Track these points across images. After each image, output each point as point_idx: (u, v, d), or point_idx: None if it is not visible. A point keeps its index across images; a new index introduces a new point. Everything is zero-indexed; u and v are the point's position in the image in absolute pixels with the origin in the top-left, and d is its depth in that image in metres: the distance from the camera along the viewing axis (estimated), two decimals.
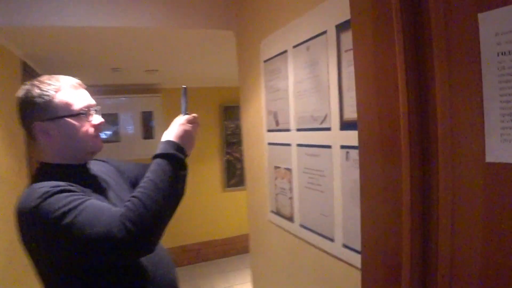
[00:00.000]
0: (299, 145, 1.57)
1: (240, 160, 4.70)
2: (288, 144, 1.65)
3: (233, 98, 4.53)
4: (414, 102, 0.76)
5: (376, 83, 0.83)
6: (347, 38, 1.24)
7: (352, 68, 1.21)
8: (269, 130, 1.83)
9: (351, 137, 1.24)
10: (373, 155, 0.85)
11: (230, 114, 4.58)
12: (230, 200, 4.65)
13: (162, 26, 2.06)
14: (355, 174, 1.23)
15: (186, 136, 1.11)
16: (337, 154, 1.32)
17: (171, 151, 1.04)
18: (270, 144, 1.84)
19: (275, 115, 1.76)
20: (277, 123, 1.74)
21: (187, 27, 2.09)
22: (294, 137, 1.60)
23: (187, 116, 1.16)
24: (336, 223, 1.34)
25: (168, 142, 1.07)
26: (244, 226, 4.97)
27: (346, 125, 1.27)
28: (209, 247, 4.62)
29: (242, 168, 4.73)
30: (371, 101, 0.85)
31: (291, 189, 1.66)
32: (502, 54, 0.59)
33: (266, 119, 1.86)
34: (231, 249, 4.72)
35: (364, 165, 0.89)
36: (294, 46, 1.55)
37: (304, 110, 1.51)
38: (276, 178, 1.79)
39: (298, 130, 1.56)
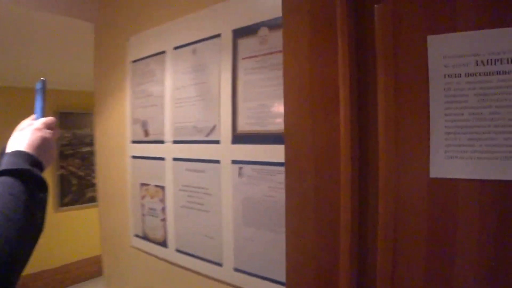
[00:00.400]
0: (176, 159, 1.38)
1: (76, 175, 4.04)
2: (161, 158, 1.44)
3: (71, 103, 3.89)
4: (356, 116, 0.72)
5: (311, 94, 0.77)
6: (246, 45, 1.16)
7: (251, 77, 1.13)
8: (135, 142, 1.57)
9: (246, 151, 1.15)
10: (303, 172, 0.77)
11: (66, 121, 3.89)
12: (65, 221, 3.93)
13: None
14: (249, 191, 1.15)
15: (44, 145, 0.80)
16: (227, 170, 1.20)
17: (25, 166, 0.73)
18: (135, 157, 1.58)
19: (143, 124, 1.52)
20: (146, 134, 1.51)
21: (30, 7, 1.62)
22: (169, 150, 1.41)
23: (44, 119, 0.85)
24: (226, 246, 1.21)
25: (19, 153, 0.75)
26: (83, 250, 4.31)
27: (239, 138, 1.17)
28: (38, 279, 3.76)
29: (80, 184, 4.07)
30: (303, 113, 0.78)
31: (164, 210, 1.45)
32: (448, 76, 0.61)
33: (131, 129, 1.59)
34: (67, 278, 3.98)
35: (291, 183, 0.80)
36: (176, 48, 1.38)
37: (185, 120, 1.34)
38: (143, 197, 1.54)
39: (176, 142, 1.38)
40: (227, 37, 1.21)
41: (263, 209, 1.12)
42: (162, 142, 1.43)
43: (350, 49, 0.71)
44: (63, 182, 3.93)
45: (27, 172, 0.72)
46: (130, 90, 1.58)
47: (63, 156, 3.95)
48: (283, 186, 1.11)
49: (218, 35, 1.24)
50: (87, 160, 4.12)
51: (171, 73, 1.39)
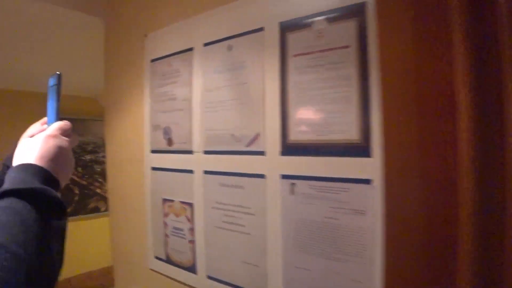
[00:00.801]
0: (207, 172, 1.19)
1: (78, 184, 3.83)
2: (189, 171, 1.25)
3: (73, 108, 3.68)
4: (479, 125, 0.54)
5: (417, 95, 0.58)
6: (297, 40, 0.98)
7: (304, 77, 0.95)
8: (155, 151, 1.38)
9: (300, 164, 0.97)
10: (408, 192, 0.59)
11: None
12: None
13: None
14: (304, 212, 0.97)
15: (60, 156, 0.61)
16: (274, 185, 1.02)
17: (36, 184, 0.54)
18: (156, 169, 1.39)
19: (166, 132, 1.33)
20: (169, 142, 1.32)
21: None
22: (199, 161, 1.22)
23: (59, 124, 0.66)
24: (272, 275, 1.02)
25: (29, 167, 0.56)
26: (86, 264, 4.07)
27: (290, 149, 0.99)
28: None
29: (82, 194, 3.86)
30: (407, 120, 0.59)
31: (192, 230, 1.26)
32: None
33: (151, 136, 1.40)
34: None
35: (391, 207, 0.62)
36: (207, 44, 1.19)
37: (219, 127, 1.15)
38: (166, 215, 1.35)
39: (207, 152, 1.19)
40: (273, 31, 1.02)
41: (321, 233, 0.94)
42: (189, 152, 1.24)
43: (469, 41, 0.53)
44: (65, 191, 3.72)
45: (40, 192, 0.53)
46: (149, 93, 1.40)
47: None
48: (348, 206, 0.94)
49: (260, 29, 1.06)
50: (90, 169, 3.92)
51: (201, 72, 1.21)
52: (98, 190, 3.99)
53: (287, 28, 1.00)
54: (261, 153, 1.04)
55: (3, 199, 0.50)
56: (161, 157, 1.35)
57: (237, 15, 1.12)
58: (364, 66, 0.88)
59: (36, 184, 0.53)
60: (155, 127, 1.37)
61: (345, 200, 0.91)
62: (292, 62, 0.99)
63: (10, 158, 0.64)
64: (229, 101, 1.12)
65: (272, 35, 1.03)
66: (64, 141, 0.63)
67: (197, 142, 1.21)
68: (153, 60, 1.38)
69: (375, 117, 0.86)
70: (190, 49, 1.24)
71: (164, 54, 1.34)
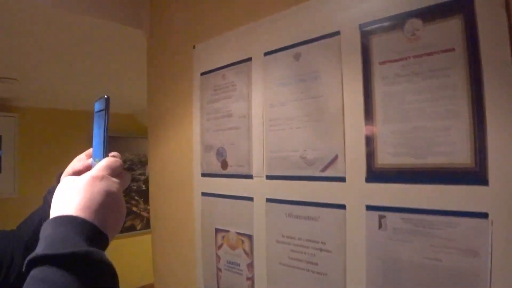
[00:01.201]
0: (271, 200, 1.03)
1: None
2: (248, 198, 1.09)
3: (115, 125, 3.65)
4: None
5: None
6: (384, 44, 0.82)
7: (395, 88, 0.78)
8: (207, 175, 1.24)
9: (391, 193, 0.80)
10: None
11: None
12: None
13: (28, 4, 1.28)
14: (397, 250, 0.79)
15: (110, 204, 0.47)
16: (358, 218, 0.85)
17: (79, 245, 0.40)
18: (207, 194, 1.24)
19: (219, 153, 1.19)
20: (224, 165, 1.17)
21: (70, 10, 1.34)
22: (261, 187, 1.06)
23: (107, 161, 0.51)
24: None
25: (70, 221, 0.43)
26: (120, 283, 3.96)
27: (379, 175, 0.82)
28: None
29: None
30: None
31: (251, 266, 1.09)
32: None
33: (201, 158, 1.26)
34: None
35: None
36: (268, 53, 1.05)
37: (285, 148, 0.99)
38: (219, 247, 1.20)
39: (271, 177, 1.03)
40: (352, 35, 0.87)
41: (419, 277, 0.76)
42: (249, 176, 1.09)
43: None
44: None
45: (84, 256, 0.40)
46: (199, 109, 1.26)
47: None
48: (455, 245, 0.74)
49: (336, 33, 0.90)
50: (127, 186, 3.86)
51: (261, 86, 1.06)
52: (134, 209, 3.93)
53: (369, 31, 0.84)
54: (341, 179, 0.88)
55: (37, 267, 0.37)
56: (213, 182, 1.21)
57: (305, 18, 0.97)
58: (476, 72, 0.70)
59: (79, 245, 0.39)
60: (206, 148, 1.23)
61: (451, 237, 0.73)
62: (378, 71, 0.83)
63: (52, 193, 0.51)
64: (298, 118, 0.97)
65: (351, 39, 0.87)
66: (113, 183, 0.49)
67: (258, 166, 1.06)
68: (203, 74, 1.25)
69: (494, 135, 0.68)
70: (248, 60, 1.10)
71: (216, 66, 1.20)
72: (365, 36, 0.85)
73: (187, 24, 1.36)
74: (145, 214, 3.95)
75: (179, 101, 1.37)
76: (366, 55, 0.85)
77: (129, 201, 3.93)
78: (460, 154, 0.72)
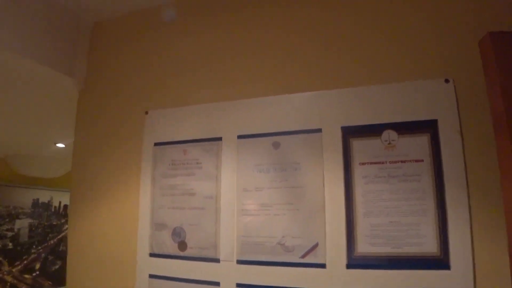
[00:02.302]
0: (242, 285, 1.01)
1: None
2: (213, 283, 1.04)
3: None
4: None
5: None
6: (364, 147, 0.94)
7: (374, 187, 0.89)
8: (157, 255, 1.13)
9: (370, 278, 0.87)
10: None
11: None
12: None
13: None
14: None
15: None
16: None
17: None
18: (155, 277, 1.13)
19: (176, 233, 1.11)
20: (182, 246, 1.09)
21: None
22: (229, 272, 1.02)
23: None
24: None
25: None
26: None
27: (359, 262, 0.89)
28: None
29: None
30: None
31: None
32: None
33: (150, 236, 1.15)
34: None
35: None
36: (242, 136, 1.06)
37: (261, 234, 1.00)
38: None
39: (242, 262, 1.01)
40: (333, 134, 0.96)
41: None
42: (214, 260, 1.04)
43: None
44: None
45: None
46: (150, 182, 1.17)
47: None
48: None
49: (317, 130, 0.98)
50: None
51: (233, 168, 1.06)
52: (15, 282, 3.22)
53: (351, 133, 0.95)
54: (321, 265, 0.92)
55: None
56: (167, 263, 1.11)
57: (285, 110, 1.03)
58: (440, 179, 0.87)
59: None
60: (158, 226, 1.14)
61: None
62: (358, 170, 0.93)
63: None
64: (277, 205, 0.99)
65: (333, 138, 0.96)
66: None
67: (227, 249, 1.03)
68: (158, 144, 1.18)
69: (453, 229, 0.83)
70: (217, 139, 1.09)
71: (175, 139, 1.15)
72: (346, 138, 0.95)
73: (139, 85, 1.27)
74: (9, 278, 3.27)
75: (120, 170, 1.25)
76: (347, 154, 0.94)
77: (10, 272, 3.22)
78: (428, 245, 0.85)
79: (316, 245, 0.93)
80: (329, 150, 0.96)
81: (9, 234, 3.27)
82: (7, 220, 3.25)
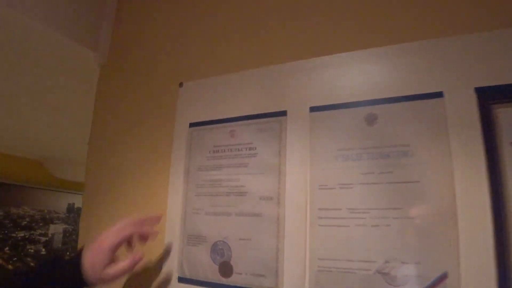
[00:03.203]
0: None
1: (3, 267, 2.90)
2: None
3: (7, 170, 2.84)
4: None
5: None
6: None
7: None
8: (187, 281, 0.79)
9: None
10: None
11: None
12: None
13: None
14: None
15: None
16: None
17: None
18: None
19: (218, 250, 0.76)
20: (225, 270, 0.75)
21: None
22: None
23: None
24: None
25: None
26: None
27: None
28: None
29: None
30: None
31: None
32: None
33: (180, 253, 0.82)
34: None
35: None
36: (316, 108, 0.71)
37: (346, 255, 0.64)
38: None
39: None
40: (463, 100, 0.58)
41: None
42: None
43: None
44: None
45: None
46: (182, 177, 0.84)
47: None
48: None
49: (436, 94, 0.61)
50: (21, 249, 3.02)
51: (305, 155, 0.70)
52: None
53: (490, 97, 0.57)
54: None
55: None
56: None
57: (387, 67, 0.67)
58: None
59: None
60: (193, 239, 0.80)
61: None
62: (509, 154, 0.54)
63: None
64: (376, 211, 0.62)
65: (462, 106, 0.59)
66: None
67: (294, 279, 0.67)
68: (194, 125, 0.85)
69: None
70: (280, 114, 0.75)
71: (218, 117, 0.82)
72: (485, 105, 0.57)
73: (171, 54, 0.97)
74: None
75: (144, 162, 0.93)
76: (489, 130, 0.56)
77: (22, 268, 3.05)
78: None
79: (443, 277, 0.55)
80: (458, 124, 0.58)
81: (43, 239, 3.11)
82: (41, 224, 3.10)
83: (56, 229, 3.16)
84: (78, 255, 0.66)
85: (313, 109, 0.72)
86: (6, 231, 2.89)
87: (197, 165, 0.82)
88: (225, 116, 0.81)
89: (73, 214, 3.29)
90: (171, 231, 0.83)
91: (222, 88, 0.84)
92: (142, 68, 1.02)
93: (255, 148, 0.75)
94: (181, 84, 0.90)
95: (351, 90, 0.70)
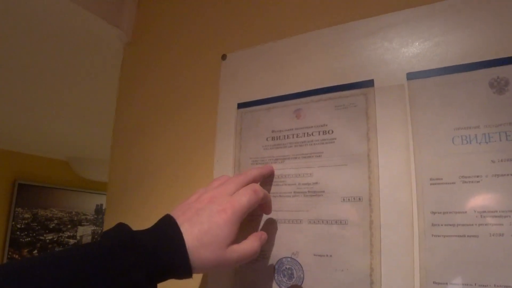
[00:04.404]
0: None
1: None
2: None
3: (34, 172, 2.78)
4: None
5: None
6: None
7: None
8: None
9: None
10: None
11: (26, 197, 2.76)
12: None
13: None
14: None
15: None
16: None
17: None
18: None
19: (284, 271, 0.57)
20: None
21: None
22: None
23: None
24: None
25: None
26: None
27: None
28: None
29: None
30: None
31: None
32: None
33: (236, 274, 0.64)
34: None
35: None
36: (416, 75, 0.51)
37: (481, 278, 0.43)
38: None
39: None
40: None
41: None
42: None
43: None
44: None
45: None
46: (233, 174, 0.66)
47: (16, 244, 2.75)
48: None
49: None
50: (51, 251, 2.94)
51: (402, 138, 0.51)
52: None
53: None
54: None
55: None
56: None
57: None
58: None
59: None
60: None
61: None
62: None
63: None
64: None
65: None
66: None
67: None
68: (243, 105, 0.67)
69: None
70: (366, 84, 0.55)
71: (275, 94, 0.63)
72: None
73: (206, 19, 0.79)
74: None
75: (180, 150, 0.76)
76: None
77: None
78: None
79: None
80: None
81: (71, 241, 3.02)
82: (69, 226, 3.02)
83: (85, 231, 3.07)
84: (168, 224, 0.41)
85: (411, 75, 0.52)
86: (34, 234, 2.82)
87: (250, 157, 0.63)
88: (286, 92, 0.62)
89: (102, 215, 3.20)
90: None
91: (277, 56, 0.65)
92: (172, 43, 0.85)
93: (332, 131, 0.56)
94: (223, 57, 0.72)
95: (467, 47, 0.49)
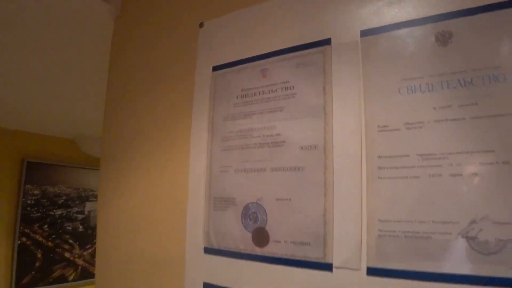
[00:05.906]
0: None
1: (43, 246, 2.96)
2: None
3: (41, 150, 2.88)
4: None
5: None
6: None
7: None
8: (215, 252, 0.67)
9: None
10: None
11: (35, 174, 2.87)
12: None
13: None
14: None
15: None
16: None
17: None
18: (211, 286, 0.67)
19: (251, 214, 0.63)
20: (260, 238, 0.62)
21: None
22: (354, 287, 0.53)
23: None
24: None
25: None
26: None
27: None
28: None
29: (45, 258, 2.98)
30: None
31: None
32: None
33: (205, 220, 0.69)
34: None
35: None
36: (369, 32, 0.55)
37: (419, 215, 0.49)
38: None
39: (379, 273, 0.50)
40: None
41: None
42: (322, 266, 0.55)
43: None
44: (24, 255, 2.82)
45: None
46: (207, 129, 0.71)
47: (27, 219, 2.88)
48: None
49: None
50: (59, 227, 3.07)
51: (355, 90, 0.55)
52: (66, 254, 3.11)
53: None
54: None
55: None
56: (232, 266, 0.65)
57: None
58: None
59: None
60: (220, 202, 0.68)
61: None
62: None
63: None
64: (459, 156, 0.46)
65: None
66: None
67: (348, 247, 0.53)
68: (217, 68, 0.71)
69: None
70: (323, 43, 0.59)
71: (246, 55, 0.68)
72: None
73: None
74: (80, 262, 3.15)
75: (165, 116, 0.81)
76: None
77: (60, 245, 3.12)
78: None
79: None
80: None
81: (80, 216, 3.14)
82: (77, 202, 3.13)
83: (92, 207, 3.19)
84: None
85: (365, 33, 0.56)
86: (44, 209, 2.93)
87: (222, 115, 0.69)
88: (254, 54, 0.67)
89: None
90: (195, 195, 0.71)
91: (248, 22, 0.69)
92: (156, 14, 0.89)
93: (293, 87, 0.61)
94: (201, 24, 0.76)
95: (417, 4, 0.53)
